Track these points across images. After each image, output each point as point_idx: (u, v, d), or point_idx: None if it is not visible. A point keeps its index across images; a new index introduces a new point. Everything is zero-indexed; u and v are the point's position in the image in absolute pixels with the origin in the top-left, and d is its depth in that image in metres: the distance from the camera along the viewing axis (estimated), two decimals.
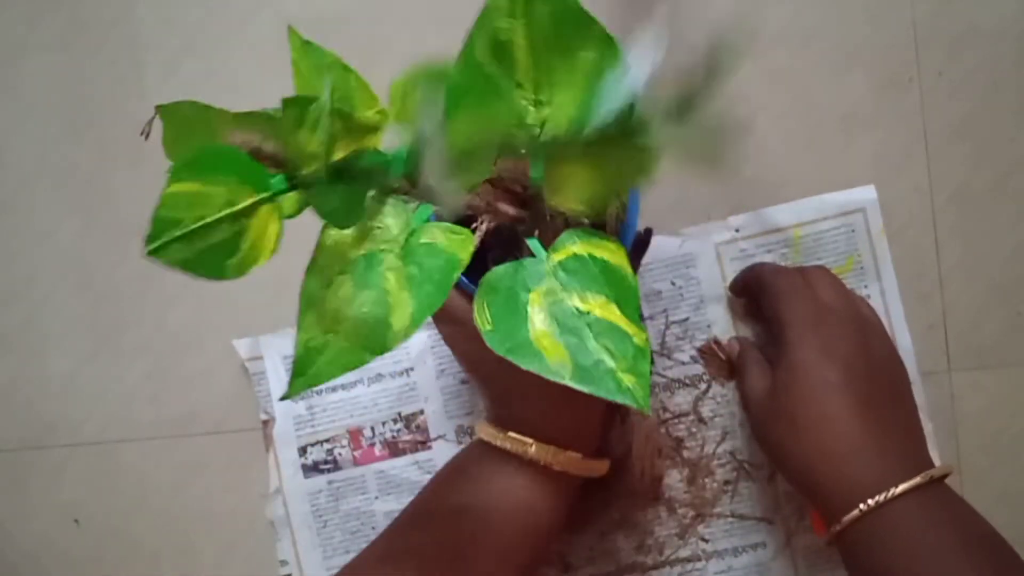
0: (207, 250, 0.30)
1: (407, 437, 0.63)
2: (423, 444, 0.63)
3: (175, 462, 0.66)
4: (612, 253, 0.39)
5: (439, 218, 0.39)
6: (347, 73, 0.37)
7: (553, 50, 0.38)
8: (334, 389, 0.64)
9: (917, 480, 0.47)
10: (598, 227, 0.48)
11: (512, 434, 0.50)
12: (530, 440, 0.49)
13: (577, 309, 0.37)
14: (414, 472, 0.63)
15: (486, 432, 0.51)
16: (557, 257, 0.39)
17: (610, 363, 0.36)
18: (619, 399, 0.36)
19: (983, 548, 0.47)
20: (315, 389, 0.63)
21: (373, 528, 0.64)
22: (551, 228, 0.42)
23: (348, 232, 0.36)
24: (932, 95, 0.60)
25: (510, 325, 0.37)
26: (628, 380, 0.36)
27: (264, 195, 0.31)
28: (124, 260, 0.67)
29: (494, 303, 0.37)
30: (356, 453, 0.64)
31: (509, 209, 0.43)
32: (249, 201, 0.31)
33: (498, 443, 0.50)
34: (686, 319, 0.61)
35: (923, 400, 0.59)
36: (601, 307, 0.37)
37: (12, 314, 0.68)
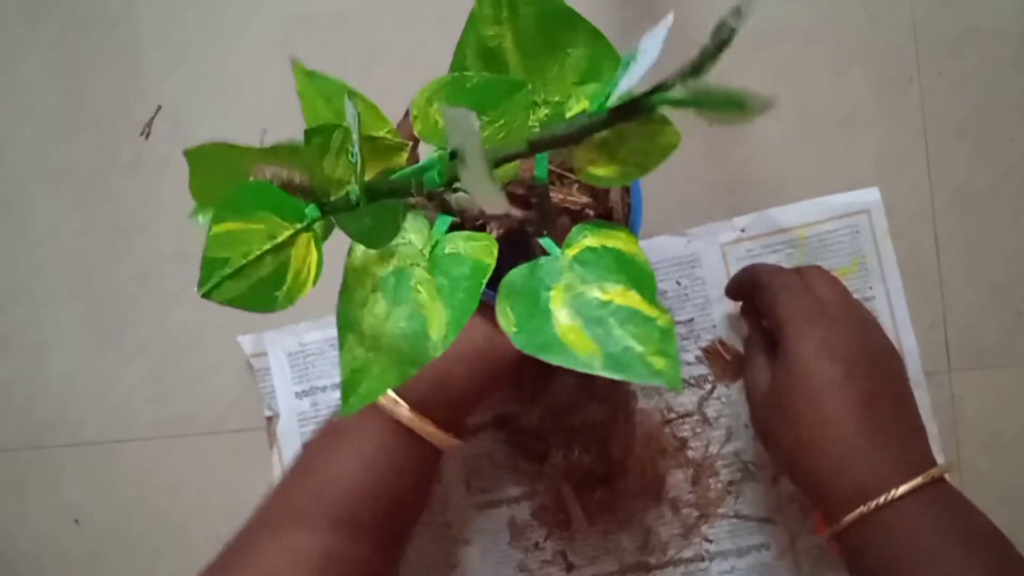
0: (256, 284, 0.31)
1: None
2: None
3: (175, 462, 0.66)
4: (624, 242, 0.40)
5: (456, 227, 0.40)
6: (355, 97, 0.38)
7: (542, 51, 0.39)
8: (339, 387, 0.63)
9: (918, 481, 0.47)
10: (605, 218, 0.48)
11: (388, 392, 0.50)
12: (403, 404, 0.50)
13: (598, 300, 0.38)
14: None
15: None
16: (571, 252, 0.39)
17: (638, 348, 0.36)
18: (652, 382, 0.36)
19: (985, 547, 0.47)
20: (319, 386, 0.63)
21: None
22: (560, 226, 0.43)
23: (374, 252, 0.37)
24: (932, 95, 0.60)
25: (535, 324, 0.37)
26: (658, 363, 0.36)
27: (301, 225, 0.32)
28: (124, 260, 0.67)
29: (516, 305, 0.38)
30: None
31: (517, 212, 0.44)
32: (288, 233, 0.32)
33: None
34: (691, 319, 0.61)
35: (924, 400, 0.59)
36: (621, 295, 0.38)
37: (12, 314, 0.68)
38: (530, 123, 0.39)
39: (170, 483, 0.67)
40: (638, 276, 0.38)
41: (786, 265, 0.59)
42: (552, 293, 0.38)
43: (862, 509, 0.47)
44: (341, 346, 0.36)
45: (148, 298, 0.67)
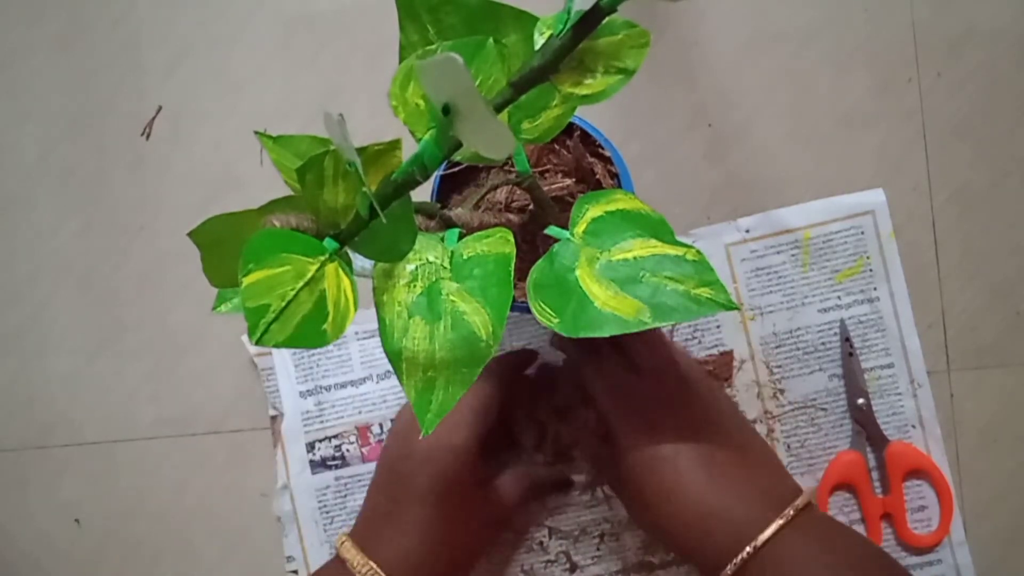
0: (302, 322, 0.32)
1: None
2: None
3: (176, 462, 0.66)
4: (624, 200, 0.40)
5: (463, 234, 0.40)
6: (326, 143, 0.38)
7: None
8: (343, 386, 0.64)
9: (788, 513, 0.47)
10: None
11: (374, 566, 0.49)
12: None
13: (623, 260, 0.38)
14: None
15: (348, 552, 0.51)
16: (580, 228, 0.40)
17: (680, 287, 0.37)
18: (706, 313, 0.37)
19: (877, 568, 0.47)
20: (323, 385, 0.63)
21: None
22: (559, 218, 0.43)
23: (400, 284, 0.38)
24: (932, 95, 0.60)
25: (574, 307, 0.37)
26: (703, 293, 0.37)
27: (324, 257, 0.33)
28: (124, 260, 0.67)
29: (548, 298, 0.38)
30: (364, 449, 0.64)
31: (514, 217, 0.44)
32: (315, 268, 0.32)
33: (356, 571, 0.50)
34: (695, 320, 0.61)
35: (926, 400, 0.59)
36: (642, 246, 0.38)
37: (13, 314, 0.68)
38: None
39: (170, 483, 0.67)
40: (651, 224, 0.39)
41: (790, 266, 0.60)
42: (578, 273, 0.38)
43: (743, 555, 0.46)
44: (399, 377, 0.36)
45: (149, 298, 0.67)
